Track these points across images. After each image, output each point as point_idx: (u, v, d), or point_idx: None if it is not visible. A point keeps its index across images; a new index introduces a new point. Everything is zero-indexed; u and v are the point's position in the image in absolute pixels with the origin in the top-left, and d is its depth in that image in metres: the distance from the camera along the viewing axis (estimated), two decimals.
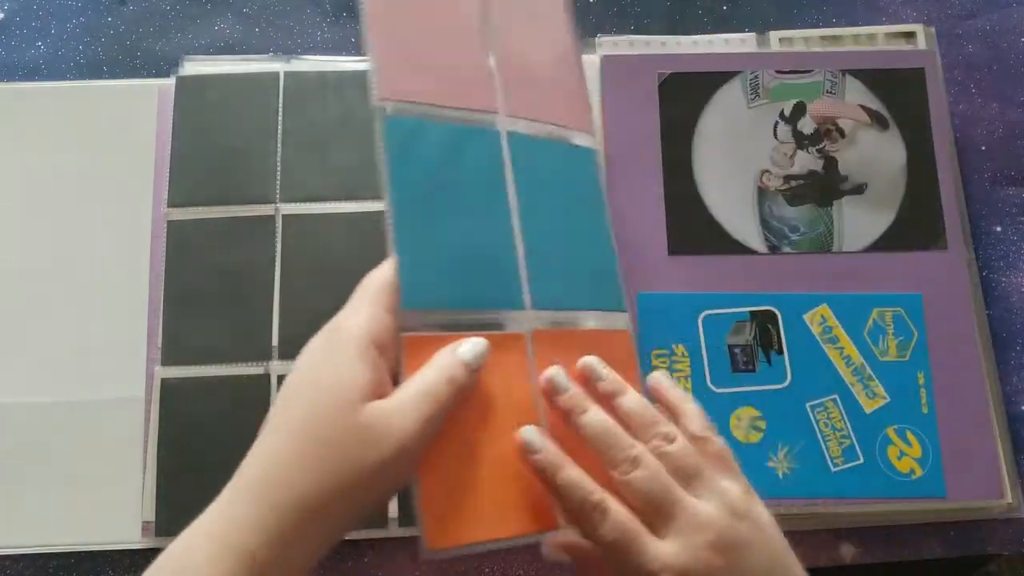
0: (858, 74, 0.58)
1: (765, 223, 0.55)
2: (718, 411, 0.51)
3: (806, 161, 0.57)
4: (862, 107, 0.57)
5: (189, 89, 0.57)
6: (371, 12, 0.40)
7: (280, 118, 0.56)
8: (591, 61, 0.58)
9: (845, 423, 0.51)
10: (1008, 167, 0.59)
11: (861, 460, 0.50)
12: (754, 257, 0.55)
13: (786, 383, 0.52)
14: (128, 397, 0.52)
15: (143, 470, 0.50)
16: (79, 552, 0.50)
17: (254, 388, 0.51)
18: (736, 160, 0.56)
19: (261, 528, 0.32)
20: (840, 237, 0.55)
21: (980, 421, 0.51)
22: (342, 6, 0.62)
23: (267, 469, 0.33)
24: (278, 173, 0.55)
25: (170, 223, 0.54)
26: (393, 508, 0.50)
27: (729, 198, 0.56)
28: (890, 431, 0.51)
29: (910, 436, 0.51)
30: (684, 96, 0.57)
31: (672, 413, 0.39)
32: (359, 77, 0.57)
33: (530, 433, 0.36)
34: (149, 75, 0.60)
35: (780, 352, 0.52)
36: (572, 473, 0.35)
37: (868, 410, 0.51)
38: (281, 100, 0.57)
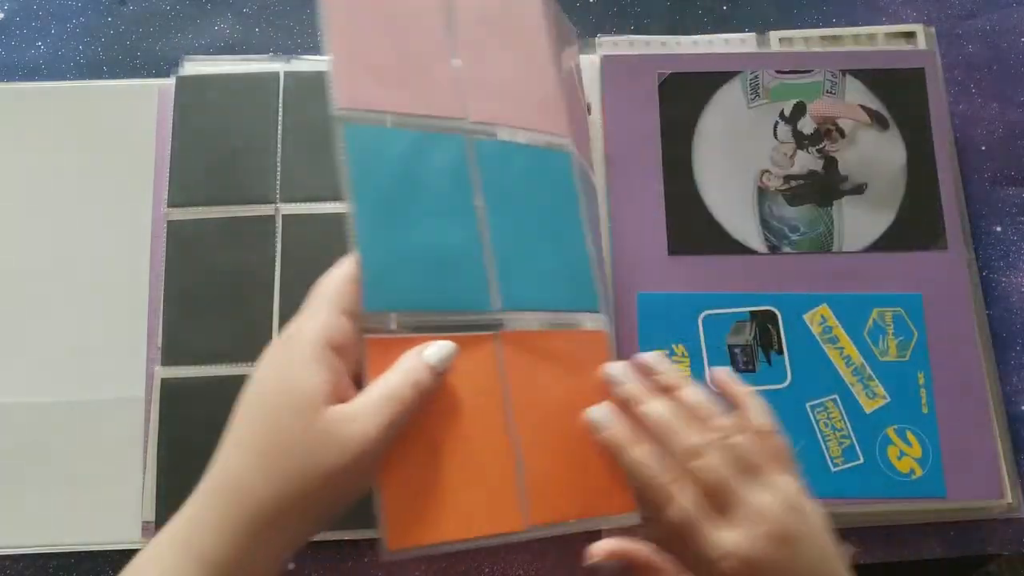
0: (858, 74, 0.58)
1: (765, 223, 0.55)
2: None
3: (806, 161, 0.57)
4: (862, 107, 0.57)
5: (189, 89, 0.57)
6: (330, 18, 0.40)
7: (280, 118, 0.56)
8: (591, 61, 0.58)
9: (845, 423, 0.51)
10: (1008, 167, 0.59)
11: (861, 460, 0.50)
12: (754, 257, 0.55)
13: (786, 383, 0.52)
14: (128, 397, 0.52)
15: (143, 470, 0.50)
16: (79, 552, 0.50)
17: None
18: (736, 160, 0.56)
19: (222, 534, 0.32)
20: (840, 237, 0.55)
21: (980, 421, 0.51)
22: None
23: (227, 476, 0.34)
24: (278, 173, 0.55)
25: (170, 223, 0.54)
26: None
27: (729, 198, 0.56)
28: (890, 431, 0.51)
29: (910, 436, 0.51)
30: (684, 96, 0.57)
31: (736, 407, 0.39)
32: None
33: (598, 412, 0.38)
34: (149, 75, 0.60)
35: (780, 352, 0.52)
36: (641, 452, 0.36)
37: (868, 410, 0.51)
38: (281, 100, 0.57)
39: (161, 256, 0.54)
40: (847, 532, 0.51)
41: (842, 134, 0.57)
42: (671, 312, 0.53)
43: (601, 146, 0.56)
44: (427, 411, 0.35)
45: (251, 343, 0.52)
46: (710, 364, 0.52)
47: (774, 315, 0.53)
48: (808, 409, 0.51)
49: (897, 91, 0.57)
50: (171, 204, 0.55)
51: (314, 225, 0.54)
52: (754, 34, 0.60)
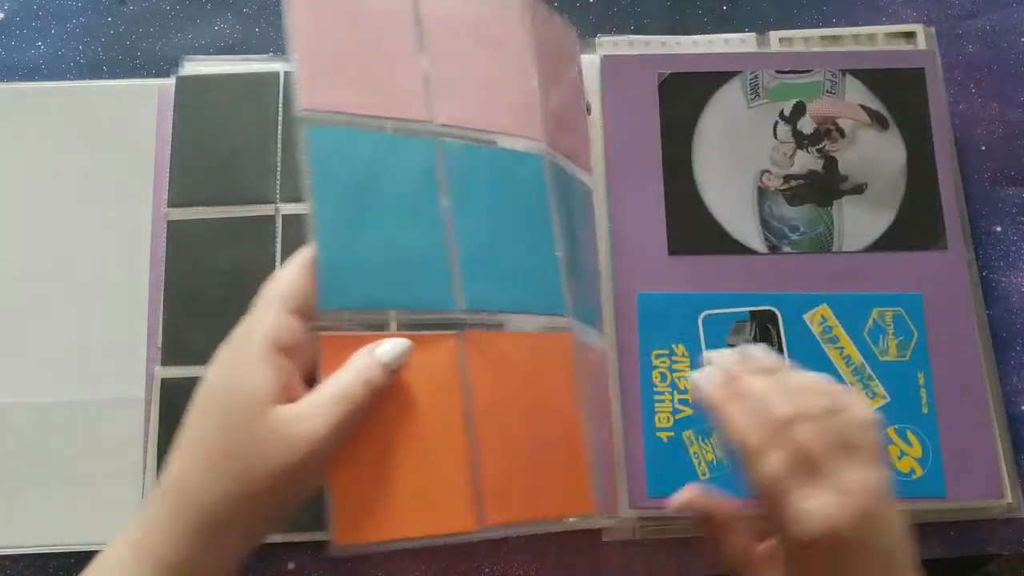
0: (858, 74, 0.58)
1: (765, 223, 0.55)
2: None
3: (806, 161, 0.57)
4: (862, 107, 0.57)
5: (189, 89, 0.57)
6: (296, 18, 0.40)
7: (280, 118, 0.56)
8: (591, 61, 0.58)
9: None
10: (1008, 167, 0.59)
11: None
12: (754, 257, 0.55)
13: None
14: (128, 397, 0.52)
15: (143, 470, 0.50)
16: (79, 552, 0.50)
17: None
18: (736, 160, 0.56)
19: (173, 535, 0.33)
20: (840, 237, 0.55)
21: (980, 421, 0.51)
22: None
23: (177, 477, 0.34)
24: (278, 173, 0.55)
25: (170, 223, 0.54)
26: None
27: (729, 198, 0.56)
28: (890, 431, 0.51)
29: (910, 436, 0.51)
30: (684, 96, 0.57)
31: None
32: None
33: (701, 371, 0.39)
34: (149, 75, 0.60)
35: (780, 352, 0.52)
36: (738, 410, 0.37)
37: None
38: (281, 100, 0.57)
39: (161, 256, 0.54)
40: None
41: (842, 134, 0.57)
42: (671, 312, 0.53)
43: (601, 146, 0.56)
44: (383, 408, 0.35)
45: None
46: None
47: (774, 315, 0.53)
48: None
49: (897, 91, 0.57)
50: (171, 204, 0.55)
51: None
52: (754, 34, 0.60)
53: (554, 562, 0.50)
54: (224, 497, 0.33)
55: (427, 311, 0.39)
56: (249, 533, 0.34)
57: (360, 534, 0.34)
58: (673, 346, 0.52)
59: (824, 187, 0.56)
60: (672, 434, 0.51)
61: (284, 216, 0.54)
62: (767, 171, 0.56)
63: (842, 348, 0.52)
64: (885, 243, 0.55)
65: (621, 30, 0.61)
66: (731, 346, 0.52)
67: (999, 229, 0.57)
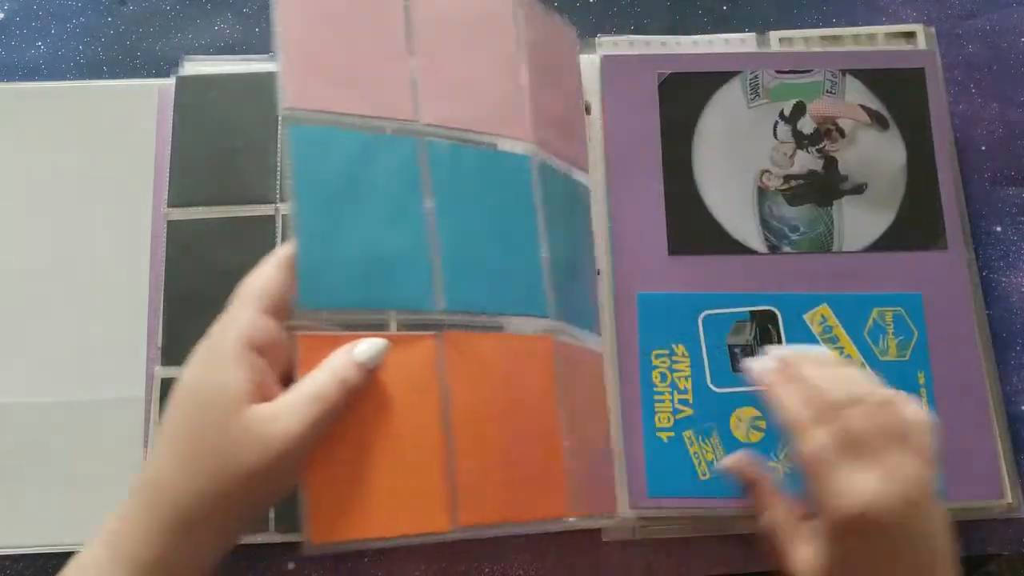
0: (858, 74, 0.58)
1: (765, 223, 0.55)
2: (718, 411, 0.51)
3: (806, 161, 0.57)
4: (862, 107, 0.57)
5: (189, 89, 0.57)
6: (283, 16, 0.40)
7: (280, 118, 0.56)
8: (591, 61, 0.58)
9: None
10: (1008, 167, 0.59)
11: None
12: (754, 257, 0.55)
13: None
14: (128, 397, 0.52)
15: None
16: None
17: None
18: (736, 160, 0.56)
19: (148, 534, 0.33)
20: (840, 237, 0.55)
21: (980, 421, 0.51)
22: None
23: (151, 476, 0.34)
24: (278, 173, 0.55)
25: (170, 223, 0.54)
26: None
27: (729, 198, 0.56)
28: None
29: None
30: (684, 96, 0.57)
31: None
32: None
33: (758, 360, 0.41)
34: (149, 75, 0.60)
35: None
36: (789, 392, 0.38)
37: None
38: None
39: (161, 256, 0.54)
40: None
41: (842, 134, 0.57)
42: (671, 312, 0.53)
43: (601, 146, 0.56)
44: (359, 408, 0.35)
45: None
46: (710, 364, 0.52)
47: (774, 315, 0.53)
48: None
49: (897, 91, 0.57)
50: (171, 204, 0.55)
51: None
52: (754, 34, 0.60)
53: (554, 562, 0.50)
54: (198, 496, 0.33)
55: (406, 311, 0.39)
56: (223, 532, 0.34)
57: (335, 532, 0.34)
58: (673, 346, 0.52)
59: (824, 187, 0.56)
60: (672, 434, 0.51)
61: (284, 216, 0.54)
62: (767, 171, 0.56)
63: (842, 348, 0.52)
64: (885, 243, 0.55)
65: (621, 30, 0.61)
66: (731, 346, 0.52)
67: (999, 229, 0.57)
